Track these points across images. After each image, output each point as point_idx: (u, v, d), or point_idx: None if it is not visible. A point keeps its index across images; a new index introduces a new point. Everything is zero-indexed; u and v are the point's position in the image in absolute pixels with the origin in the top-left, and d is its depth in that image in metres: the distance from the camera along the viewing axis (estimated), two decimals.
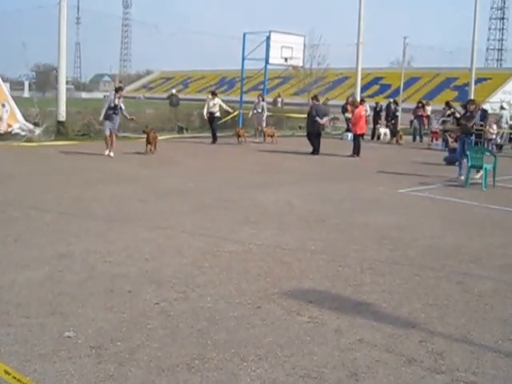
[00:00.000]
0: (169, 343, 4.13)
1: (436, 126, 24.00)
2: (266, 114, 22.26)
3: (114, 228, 7.44)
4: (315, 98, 19.43)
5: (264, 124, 22.14)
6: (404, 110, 30.46)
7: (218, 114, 20.50)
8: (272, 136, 21.48)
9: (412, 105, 42.07)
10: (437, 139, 23.63)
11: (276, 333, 4.40)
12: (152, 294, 5.10)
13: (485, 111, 23.32)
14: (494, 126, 23.04)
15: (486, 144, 21.60)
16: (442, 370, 3.92)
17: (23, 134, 17.56)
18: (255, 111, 22.22)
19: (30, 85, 59.81)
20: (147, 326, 4.43)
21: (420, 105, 25.40)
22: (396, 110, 25.56)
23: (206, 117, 20.41)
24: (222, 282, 5.52)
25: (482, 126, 22.39)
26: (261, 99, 22.34)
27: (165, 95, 42.19)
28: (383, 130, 25.56)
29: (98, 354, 3.91)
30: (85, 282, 5.32)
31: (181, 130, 22.87)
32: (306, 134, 19.01)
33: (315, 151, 18.07)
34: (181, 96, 32.94)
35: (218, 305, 4.92)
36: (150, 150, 15.82)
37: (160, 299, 4.98)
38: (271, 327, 4.51)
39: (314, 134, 18.29)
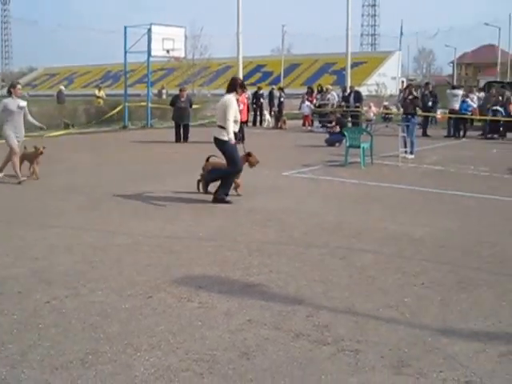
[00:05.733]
0: (61, 341, 4.04)
1: (307, 110, 24.96)
2: None
3: (1, 229, 7.14)
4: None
5: None
6: (287, 96, 31.17)
7: None
8: None
9: (294, 90, 43.20)
10: (309, 123, 24.57)
11: (168, 321, 4.41)
12: (43, 293, 4.97)
13: (358, 93, 24.52)
14: (373, 108, 24.23)
15: (364, 124, 22.71)
16: (328, 341, 4.09)
17: None
18: None
19: None
20: (39, 325, 4.30)
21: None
22: (281, 96, 26.15)
23: None
24: (113, 275, 5.46)
25: (357, 107, 23.53)
26: None
27: (49, 92, 40.65)
28: (268, 117, 26.29)
29: None
30: None
31: (67, 126, 22.29)
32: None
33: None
34: (66, 92, 31.98)
35: (109, 298, 4.86)
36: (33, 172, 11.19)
37: (51, 297, 4.86)
38: (163, 315, 4.51)
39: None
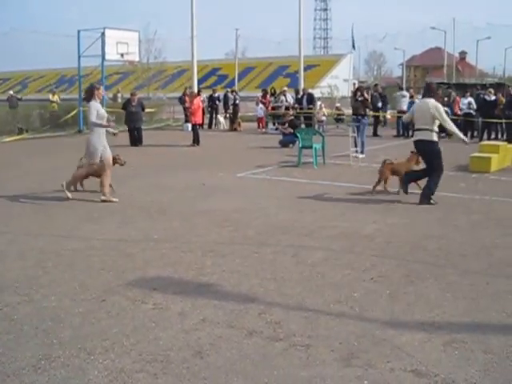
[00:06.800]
0: (13, 347, 4.01)
1: (260, 112, 25.24)
2: None
3: None
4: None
5: None
6: (242, 99, 31.34)
7: None
8: None
9: (249, 93, 43.36)
10: (263, 125, 24.87)
11: (121, 323, 4.42)
12: None
13: (311, 95, 24.87)
14: (324, 110, 24.58)
15: (317, 125, 23.02)
16: (280, 337, 4.17)
17: None
18: None
19: None
20: None
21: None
22: (236, 99, 26.29)
23: None
24: (66, 280, 5.43)
25: (310, 109, 23.82)
26: None
27: (2, 97, 40.01)
28: (222, 119, 26.45)
29: None
30: None
31: (21, 131, 21.93)
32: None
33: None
34: (18, 96, 31.42)
35: (62, 303, 4.84)
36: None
37: (3, 304, 4.80)
38: (117, 318, 4.52)
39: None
